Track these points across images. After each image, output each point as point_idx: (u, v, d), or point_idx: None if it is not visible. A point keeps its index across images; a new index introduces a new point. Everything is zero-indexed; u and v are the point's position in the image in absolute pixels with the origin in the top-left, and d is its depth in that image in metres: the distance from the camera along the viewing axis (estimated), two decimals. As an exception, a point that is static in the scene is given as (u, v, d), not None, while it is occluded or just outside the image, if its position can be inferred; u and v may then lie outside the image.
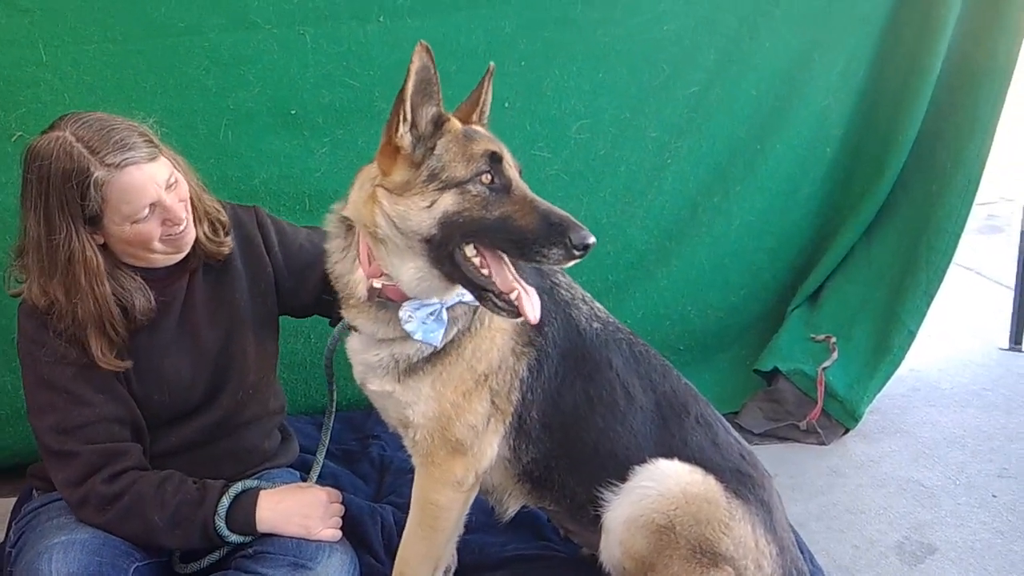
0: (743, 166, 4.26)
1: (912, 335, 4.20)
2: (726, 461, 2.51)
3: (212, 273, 2.81)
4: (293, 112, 3.69)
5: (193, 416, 2.82)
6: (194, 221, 2.66)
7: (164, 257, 2.63)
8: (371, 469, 3.64)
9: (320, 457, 3.06)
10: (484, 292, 2.24)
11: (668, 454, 2.48)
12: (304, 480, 3.03)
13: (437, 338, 2.37)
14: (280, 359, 3.07)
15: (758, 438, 4.11)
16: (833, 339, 4.30)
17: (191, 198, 2.64)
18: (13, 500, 3.07)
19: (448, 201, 2.20)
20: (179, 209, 2.54)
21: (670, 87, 4.05)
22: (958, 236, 4.18)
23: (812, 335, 4.37)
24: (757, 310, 4.56)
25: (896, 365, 4.22)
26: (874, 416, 4.26)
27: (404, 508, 2.74)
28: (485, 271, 2.23)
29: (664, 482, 2.40)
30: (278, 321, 3.01)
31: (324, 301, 2.66)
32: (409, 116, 2.21)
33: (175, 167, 2.60)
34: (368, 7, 3.63)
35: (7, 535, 2.88)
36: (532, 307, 2.24)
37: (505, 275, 2.24)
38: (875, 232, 4.42)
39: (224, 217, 2.81)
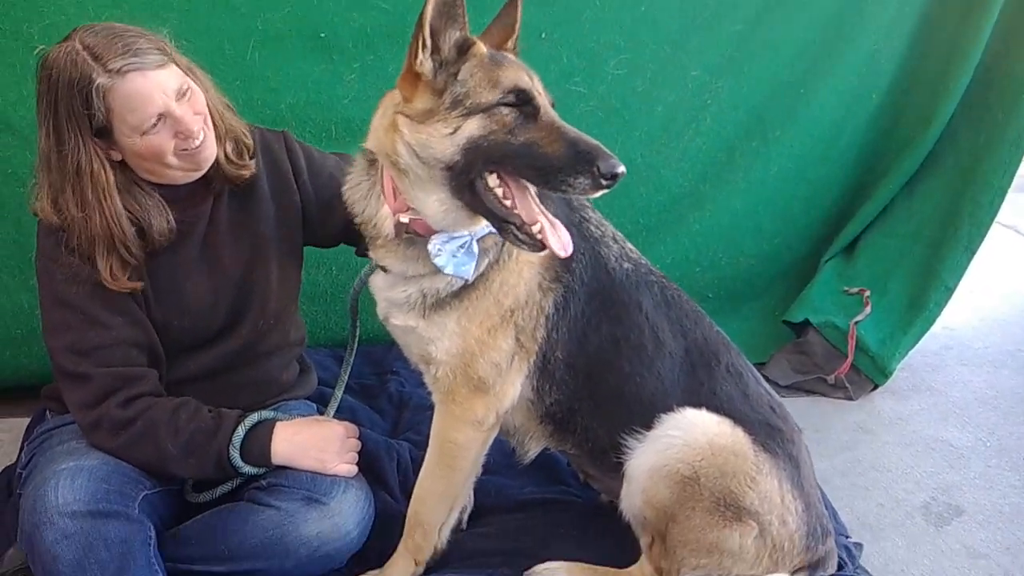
0: (784, 110, 4.16)
1: (949, 292, 4.15)
2: (755, 413, 2.46)
3: (237, 197, 2.73)
4: (323, 35, 3.59)
5: (212, 343, 2.77)
6: (215, 139, 2.57)
7: (182, 174, 2.54)
8: (389, 405, 3.61)
9: (339, 392, 3.00)
10: (506, 224, 2.17)
11: (696, 403, 2.42)
12: (321, 413, 2.99)
13: (469, 271, 2.31)
14: (302, 290, 3.03)
15: (785, 390, 4.05)
16: (867, 293, 4.23)
17: (211, 114, 2.56)
18: (27, 420, 3.05)
19: (472, 127, 2.12)
20: (192, 121, 2.44)
21: (715, 24, 3.94)
22: (1005, 191, 4.08)
23: (845, 288, 4.31)
24: (789, 259, 4.49)
25: (931, 322, 4.17)
26: (904, 373, 4.21)
27: (421, 445, 2.72)
28: (508, 201, 2.16)
29: (691, 432, 2.35)
30: (302, 251, 2.95)
31: (351, 230, 2.57)
32: (429, 41, 2.12)
33: (193, 79, 2.51)
34: None
35: (19, 456, 2.88)
36: (559, 239, 2.17)
37: (529, 206, 2.17)
38: (917, 184, 4.32)
39: (249, 139, 2.73)
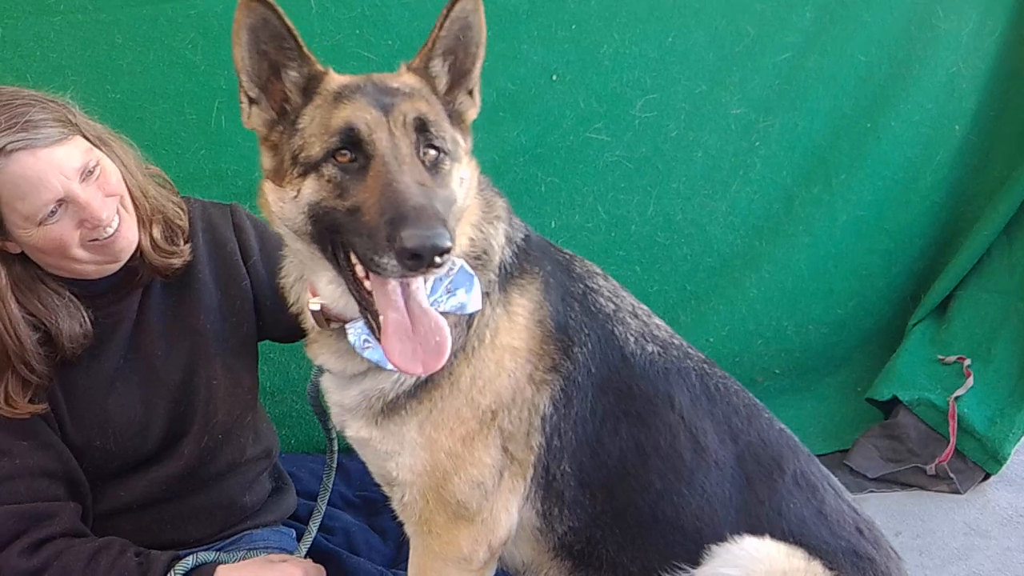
0: (849, 149, 3.88)
1: (1070, 358, 3.69)
2: (837, 538, 2.08)
3: (172, 288, 2.49)
4: (295, 93, 3.32)
5: (148, 467, 2.48)
6: (138, 223, 2.30)
7: (95, 267, 2.29)
8: (393, 524, 3.15)
9: (314, 522, 2.70)
10: (363, 312, 1.86)
11: (756, 528, 2.06)
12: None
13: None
14: (286, 387, 2.85)
15: (873, 484, 3.71)
16: (967, 362, 3.87)
17: (131, 193, 2.29)
18: None
19: (308, 188, 1.83)
20: (100, 207, 2.18)
21: (757, 54, 3.68)
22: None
23: (940, 356, 3.96)
24: (870, 325, 4.17)
25: (1050, 395, 3.71)
26: (1022, 458, 3.78)
27: None
28: (368, 281, 1.81)
29: (752, 569, 1.98)
30: (256, 346, 2.65)
31: None
32: (250, 91, 1.90)
33: (106, 152, 2.24)
34: None
35: None
36: (404, 347, 1.78)
37: (385, 291, 1.80)
38: (1018, 229, 4.01)
39: (183, 219, 2.46)
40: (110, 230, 2.21)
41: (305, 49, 1.87)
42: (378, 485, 3.24)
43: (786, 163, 3.85)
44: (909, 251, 4.10)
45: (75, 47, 3.18)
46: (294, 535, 2.78)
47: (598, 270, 2.24)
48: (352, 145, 1.78)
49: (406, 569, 2.75)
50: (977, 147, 4.01)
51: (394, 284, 1.79)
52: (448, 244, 1.60)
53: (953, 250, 4.09)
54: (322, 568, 2.45)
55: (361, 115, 1.79)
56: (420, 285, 1.81)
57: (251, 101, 1.92)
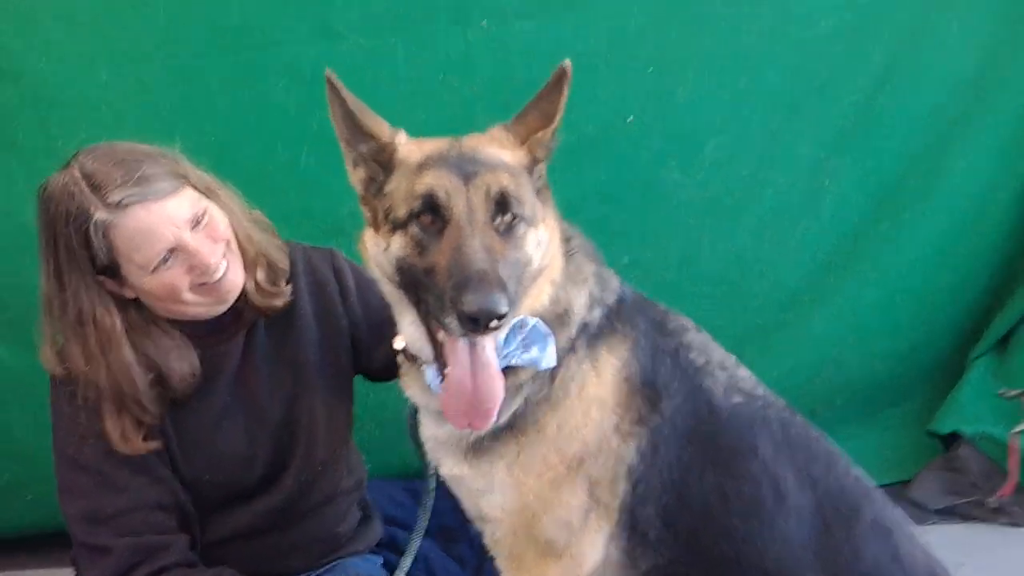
0: (917, 188, 3.86)
1: None
2: None
3: (275, 327, 2.54)
4: (382, 136, 3.40)
5: (252, 499, 2.56)
6: (243, 266, 2.37)
7: (204, 309, 2.35)
8: (470, 552, 3.23)
9: (411, 550, 2.75)
10: (435, 359, 1.95)
11: (834, 571, 2.08)
12: (386, 566, 2.82)
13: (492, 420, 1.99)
14: (365, 414, 2.85)
15: (936, 516, 3.72)
16: None
17: (238, 238, 2.36)
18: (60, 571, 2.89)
19: (396, 244, 1.93)
20: (208, 253, 2.24)
21: (827, 95, 3.67)
22: None
23: (1001, 391, 3.91)
24: (932, 359, 4.16)
25: (1111, 428, 3.71)
26: None
27: None
28: (441, 333, 1.88)
29: None
30: (352, 382, 2.72)
31: None
32: (348, 156, 2.05)
33: (214, 201, 2.32)
34: (468, 10, 3.33)
35: None
36: (458, 403, 1.87)
37: (453, 344, 1.86)
38: None
39: (284, 263, 2.52)
40: (218, 274, 2.27)
41: (367, 128, 1.99)
42: (457, 510, 3.39)
43: (854, 201, 3.81)
44: (972, 287, 4.07)
45: (173, 91, 3.26)
46: (381, 562, 2.84)
47: (690, 324, 2.27)
48: (432, 209, 1.86)
49: None
50: None
51: (463, 342, 1.85)
52: (503, 309, 1.68)
53: (1015, 286, 4.04)
54: None
55: (441, 183, 1.86)
56: (488, 344, 1.87)
57: (354, 164, 2.04)
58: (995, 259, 4.04)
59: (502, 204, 1.86)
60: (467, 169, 1.87)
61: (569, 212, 2.26)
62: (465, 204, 1.84)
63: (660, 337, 2.18)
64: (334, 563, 2.69)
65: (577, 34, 3.39)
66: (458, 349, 1.84)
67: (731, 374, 2.22)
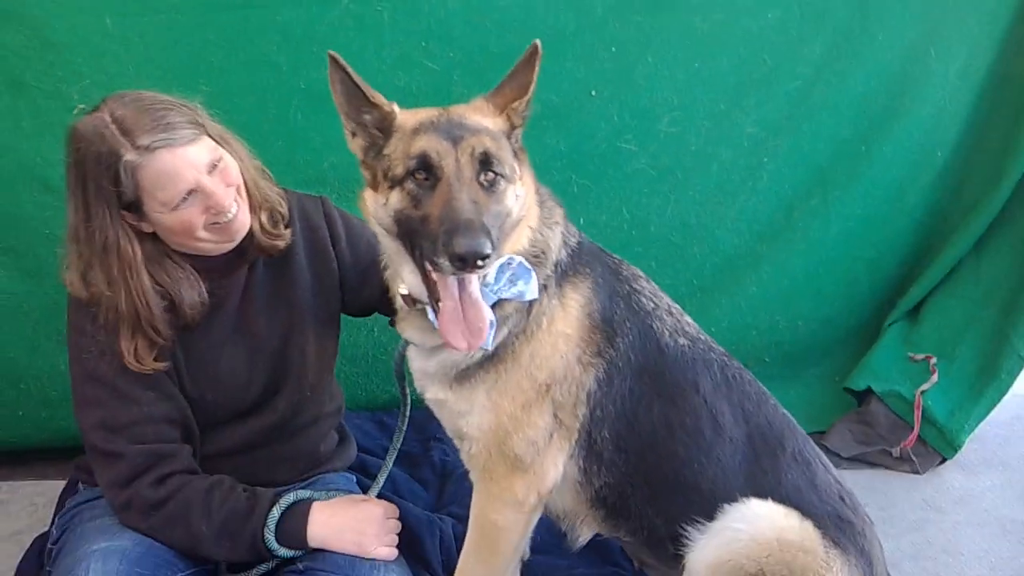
0: (845, 169, 4.04)
1: (1022, 360, 3.95)
2: (824, 504, 2.33)
3: (273, 266, 2.69)
4: (367, 94, 3.54)
5: (247, 417, 2.72)
6: (249, 209, 2.53)
7: (214, 246, 2.50)
8: (432, 475, 3.51)
9: (387, 466, 2.95)
10: (430, 298, 2.16)
11: (760, 493, 2.31)
12: (360, 485, 2.98)
13: (488, 340, 2.19)
14: (341, 351, 2.97)
15: (846, 462, 3.92)
16: (933, 360, 4.07)
17: (246, 184, 2.52)
18: (61, 483, 3.05)
19: (394, 199, 2.14)
20: (224, 196, 2.40)
21: (771, 80, 3.85)
22: (1082, 253, 3.91)
23: (910, 354, 4.16)
24: (851, 324, 4.35)
25: (1003, 392, 3.97)
26: (974, 445, 4.01)
27: (465, 519, 2.62)
28: (435, 274, 2.10)
29: (756, 525, 2.24)
30: (339, 319, 2.89)
31: (386, 300, 2.51)
32: (348, 127, 2.24)
33: (227, 149, 2.47)
34: None
35: (50, 528, 2.83)
36: (454, 328, 2.09)
37: (445, 282, 2.10)
38: (986, 246, 4.15)
39: (284, 208, 2.68)
40: (230, 215, 2.42)
41: (372, 98, 2.18)
42: (418, 440, 3.63)
43: (789, 178, 3.99)
44: (890, 260, 4.24)
45: (173, 44, 3.38)
46: (355, 479, 3.02)
47: (641, 273, 2.50)
48: (426, 168, 2.07)
49: (445, 513, 3.11)
50: (956, 173, 4.11)
51: (452, 280, 2.08)
52: (487, 251, 1.90)
53: (928, 261, 4.23)
54: (395, 507, 2.70)
55: (433, 145, 2.08)
56: (473, 280, 2.09)
57: (352, 134, 2.24)
58: (911, 237, 4.21)
59: (485, 163, 2.10)
60: (455, 133, 2.11)
61: (535, 174, 2.43)
62: (454, 163, 2.07)
63: (615, 281, 2.41)
64: (315, 477, 2.86)
65: (548, 10, 3.55)
66: (448, 285, 2.08)
67: (677, 319, 2.46)
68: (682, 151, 3.88)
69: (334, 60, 2.14)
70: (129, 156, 2.28)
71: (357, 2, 3.44)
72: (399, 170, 2.12)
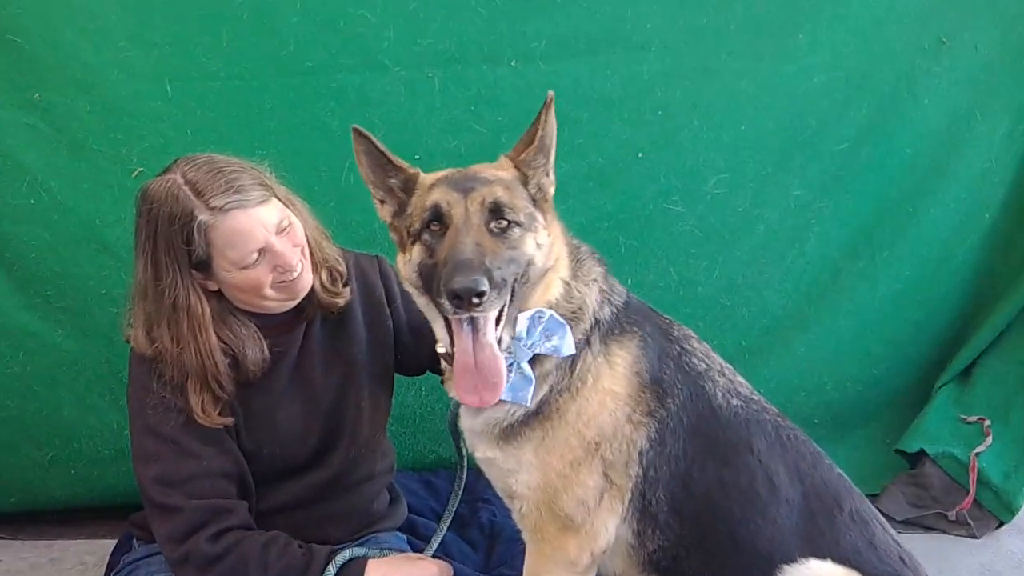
0: (892, 230, 4.03)
1: (1078, 421, 3.85)
2: (884, 565, 2.28)
3: (330, 323, 2.74)
4: (417, 157, 3.53)
5: (303, 473, 2.76)
6: (312, 268, 2.58)
7: (278, 304, 2.56)
8: (481, 536, 3.44)
9: (441, 530, 2.97)
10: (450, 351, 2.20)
11: (818, 554, 2.26)
12: (411, 545, 2.97)
13: (526, 396, 2.24)
14: (390, 412, 2.99)
15: (900, 526, 3.85)
16: (987, 422, 3.99)
17: (309, 244, 2.58)
18: (113, 542, 3.05)
19: (415, 253, 2.22)
20: (291, 255, 2.46)
21: (817, 143, 3.86)
22: None
23: (962, 416, 4.08)
24: (900, 385, 4.28)
25: (1059, 453, 3.86)
26: None
27: None
28: (456, 327, 2.14)
29: None
30: (393, 378, 2.93)
31: (438, 359, 2.52)
32: (376, 195, 2.35)
33: (292, 210, 2.53)
34: (500, 50, 3.56)
35: None
36: (466, 384, 2.13)
37: (462, 337, 2.12)
38: None
39: (343, 266, 2.74)
40: (295, 274, 2.48)
41: (396, 163, 2.28)
42: (466, 502, 3.59)
43: (836, 239, 3.97)
44: (939, 321, 4.18)
45: (230, 109, 3.46)
46: (406, 539, 3.01)
47: (692, 334, 2.49)
48: (437, 218, 2.15)
49: (495, 574, 3.06)
50: (1004, 233, 4.06)
51: (466, 327, 2.10)
52: (482, 288, 1.94)
53: (978, 323, 4.16)
54: (450, 567, 2.68)
55: (444, 196, 2.16)
56: (487, 328, 2.10)
57: (381, 202, 2.35)
58: (960, 297, 4.16)
59: (495, 211, 2.16)
60: (466, 185, 2.19)
61: (581, 235, 2.51)
62: (463, 212, 2.14)
63: (665, 341, 2.41)
64: (368, 536, 2.87)
65: (595, 76, 3.61)
66: (462, 333, 2.12)
67: (730, 380, 2.45)
68: (729, 212, 3.88)
69: (357, 132, 2.24)
70: (203, 216, 2.35)
71: (408, 69, 3.52)
72: (416, 224, 2.20)
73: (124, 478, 3.44)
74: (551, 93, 2.22)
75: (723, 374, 2.46)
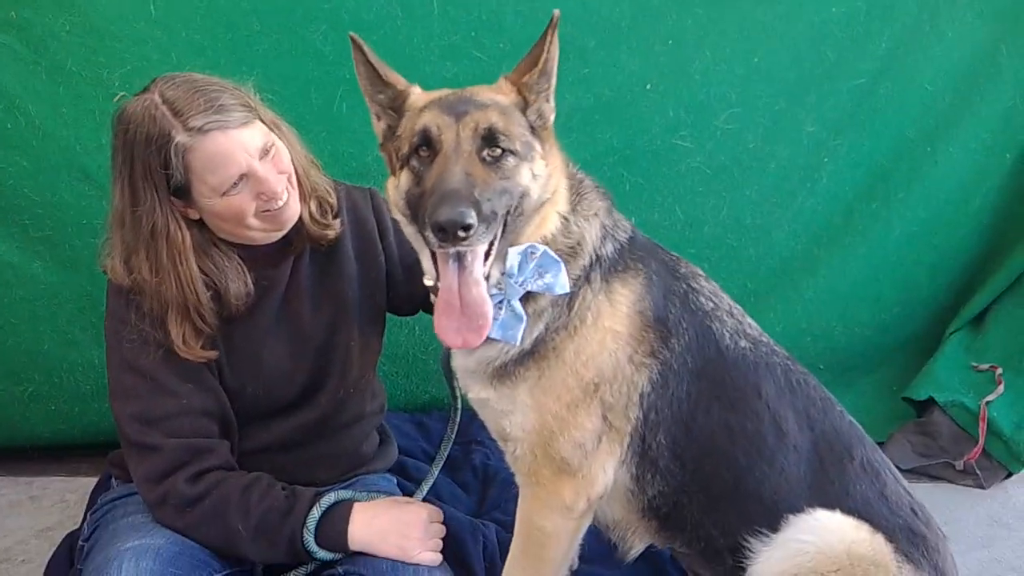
0: (909, 170, 3.95)
1: (1094, 372, 3.79)
2: (895, 516, 2.22)
3: (320, 258, 2.65)
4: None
5: (288, 413, 2.66)
6: (300, 198, 2.48)
7: (263, 234, 2.45)
8: (474, 479, 3.43)
9: (432, 475, 2.91)
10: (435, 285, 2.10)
11: (827, 504, 2.19)
12: (401, 487, 2.92)
13: (516, 335, 2.13)
14: (382, 351, 2.90)
15: (907, 474, 3.57)
16: (999, 370, 3.92)
17: (296, 172, 2.47)
18: (93, 480, 2.99)
19: (403, 179, 2.12)
20: (275, 182, 2.35)
21: (834, 77, 3.76)
22: None
23: (974, 364, 4.02)
24: (910, 331, 4.23)
25: (1073, 404, 3.80)
26: None
27: (509, 526, 2.57)
28: (440, 260, 2.05)
29: (825, 537, 2.12)
30: (385, 316, 2.83)
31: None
32: (373, 110, 2.24)
33: (278, 135, 2.42)
34: None
35: (82, 525, 2.79)
36: (448, 321, 2.03)
37: (445, 270, 2.03)
38: None
39: (333, 198, 2.64)
40: (280, 202, 2.36)
41: (386, 79, 2.17)
42: (458, 444, 3.53)
43: (850, 179, 3.90)
44: (953, 266, 4.14)
45: (216, 31, 3.34)
46: (395, 481, 2.96)
47: (700, 272, 2.40)
48: (426, 143, 2.04)
49: (488, 519, 3.03)
50: None
51: (451, 263, 2.00)
52: (469, 221, 1.84)
53: (993, 268, 4.12)
54: (440, 511, 2.62)
55: (435, 120, 2.04)
56: (475, 264, 2.00)
57: (377, 116, 2.23)
58: (975, 242, 4.12)
59: (489, 138, 2.04)
60: (459, 109, 2.06)
61: (584, 169, 2.39)
62: (454, 137, 2.02)
63: (671, 279, 2.32)
64: (356, 478, 2.80)
65: (603, 2, 3.49)
66: (447, 268, 2.01)
67: (738, 321, 2.36)
68: (739, 149, 3.79)
69: (355, 42, 2.13)
70: (181, 138, 2.24)
71: (407, -9, 3.38)
72: (405, 148, 2.10)
73: (106, 415, 3.36)
74: (557, 12, 2.08)
75: (731, 314, 2.37)
